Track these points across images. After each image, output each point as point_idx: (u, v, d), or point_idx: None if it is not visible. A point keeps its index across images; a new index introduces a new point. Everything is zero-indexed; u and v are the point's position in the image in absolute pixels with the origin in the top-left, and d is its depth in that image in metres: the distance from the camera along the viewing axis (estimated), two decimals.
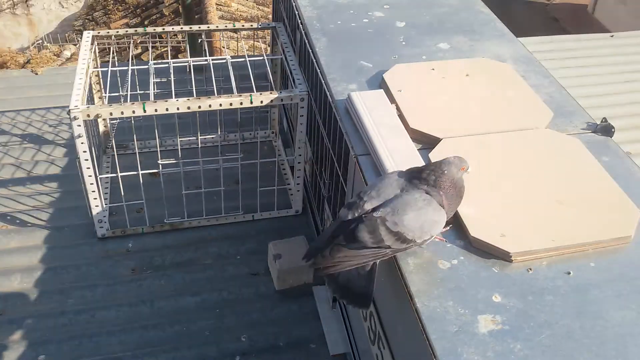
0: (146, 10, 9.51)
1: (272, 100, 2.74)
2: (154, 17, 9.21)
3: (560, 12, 10.13)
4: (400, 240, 1.71)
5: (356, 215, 1.76)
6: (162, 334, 2.75)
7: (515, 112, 2.31)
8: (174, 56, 7.79)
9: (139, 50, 8.25)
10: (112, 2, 10.02)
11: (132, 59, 3.23)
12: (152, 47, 3.77)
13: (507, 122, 2.25)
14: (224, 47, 4.12)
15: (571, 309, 1.67)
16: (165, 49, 8.01)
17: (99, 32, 3.17)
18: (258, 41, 6.41)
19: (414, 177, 1.76)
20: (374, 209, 1.74)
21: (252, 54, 6.50)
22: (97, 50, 3.22)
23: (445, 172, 1.73)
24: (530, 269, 1.77)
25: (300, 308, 2.89)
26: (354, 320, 2.55)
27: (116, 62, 3.33)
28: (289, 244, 2.97)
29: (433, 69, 2.52)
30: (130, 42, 4.30)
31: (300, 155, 2.99)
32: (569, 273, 1.77)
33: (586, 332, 1.62)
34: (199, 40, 4.24)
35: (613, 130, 2.26)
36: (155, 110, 2.63)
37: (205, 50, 3.42)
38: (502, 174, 2.02)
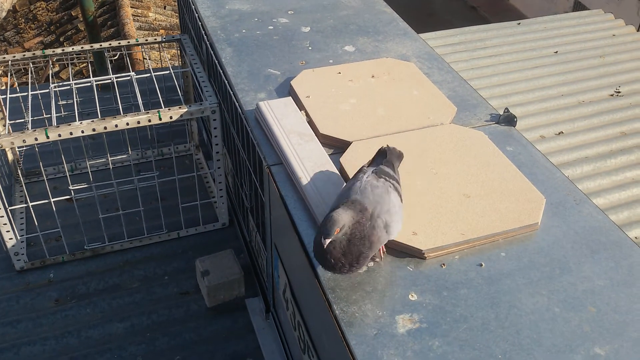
0: (60, 27, 9.19)
1: (181, 115, 2.69)
2: (69, 32, 8.91)
3: (478, 1, 10.43)
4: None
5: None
6: None
7: (421, 110, 2.35)
8: (94, 72, 7.58)
9: (58, 68, 7.98)
10: (23, 20, 9.63)
11: (50, 78, 3.11)
12: (71, 63, 3.65)
13: (413, 121, 2.29)
14: (145, 59, 4.02)
15: (485, 301, 1.72)
16: (85, 64, 7.79)
17: None
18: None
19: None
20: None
21: (177, 64, 6.40)
22: None
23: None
24: (444, 264, 1.81)
25: (234, 323, 2.86)
26: (287, 330, 2.54)
27: (36, 84, 3.21)
28: (217, 259, 2.93)
29: (339, 73, 2.54)
30: (47, 61, 4.14)
31: (219, 167, 2.95)
32: (481, 265, 1.81)
33: (501, 322, 1.66)
34: (118, 54, 4.13)
35: (515, 119, 2.34)
36: (59, 135, 2.54)
37: (127, 63, 3.33)
38: (410, 173, 2.05)
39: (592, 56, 4.35)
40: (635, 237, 3.05)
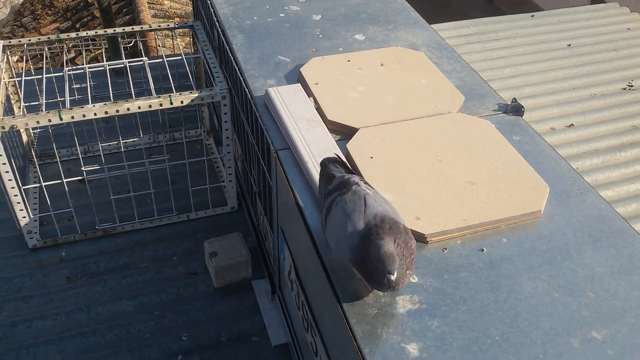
0: (77, 13, 9.27)
1: (192, 100, 2.74)
2: (85, 19, 8.99)
3: None
4: None
5: None
6: (101, 339, 2.73)
7: (429, 98, 2.37)
8: (109, 58, 7.65)
9: (73, 54, 8.05)
10: (40, 6, 9.73)
11: (65, 64, 3.17)
12: (86, 50, 3.70)
13: (420, 109, 2.31)
14: (159, 46, 4.08)
15: (485, 284, 1.75)
16: (100, 51, 7.86)
17: (10, 42, 3.09)
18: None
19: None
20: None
21: (189, 51, 6.46)
22: (10, 60, 3.14)
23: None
24: (446, 249, 1.84)
25: (240, 303, 2.91)
26: (292, 311, 2.59)
27: (51, 69, 3.26)
28: (225, 241, 2.98)
29: (349, 61, 2.57)
30: (62, 46, 4.21)
31: (229, 152, 3.00)
32: (483, 250, 1.84)
33: (500, 305, 1.69)
34: (133, 41, 4.17)
35: (523, 109, 2.36)
36: (72, 118, 2.59)
37: (140, 50, 3.38)
38: (416, 159, 2.08)
39: (606, 49, 4.33)
40: None
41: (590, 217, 1.96)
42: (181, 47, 3.58)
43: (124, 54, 3.24)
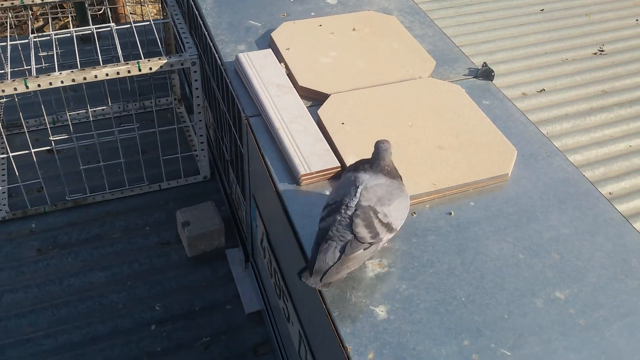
0: None
1: (161, 67, 2.69)
2: None
3: None
4: (389, 232, 1.61)
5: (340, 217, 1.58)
6: (73, 310, 2.73)
7: (400, 63, 2.36)
8: (77, 26, 7.46)
9: (42, 23, 7.83)
10: None
11: (32, 32, 3.09)
12: (54, 17, 3.60)
13: (392, 74, 2.30)
14: (128, 13, 3.98)
15: (452, 247, 1.77)
16: (68, 19, 7.66)
17: None
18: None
19: (370, 167, 1.65)
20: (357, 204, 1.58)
21: (160, 18, 6.33)
22: None
23: (387, 158, 1.64)
24: (414, 213, 1.86)
25: (213, 272, 2.92)
26: (265, 279, 2.60)
27: (16, 36, 3.17)
28: (197, 210, 2.97)
29: (320, 25, 2.54)
30: (28, 13, 4.08)
31: (200, 120, 2.97)
32: (450, 213, 1.86)
33: (466, 267, 1.72)
34: (102, 8, 4.06)
35: (493, 74, 2.36)
36: (39, 86, 2.54)
37: (109, 17, 3.30)
38: (387, 125, 2.08)
39: (578, 14, 4.34)
40: (610, 193, 3.11)
41: (557, 179, 1.99)
42: (151, 15, 3.50)
43: (93, 22, 3.15)
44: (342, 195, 1.62)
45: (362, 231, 1.56)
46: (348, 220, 1.57)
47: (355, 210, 1.58)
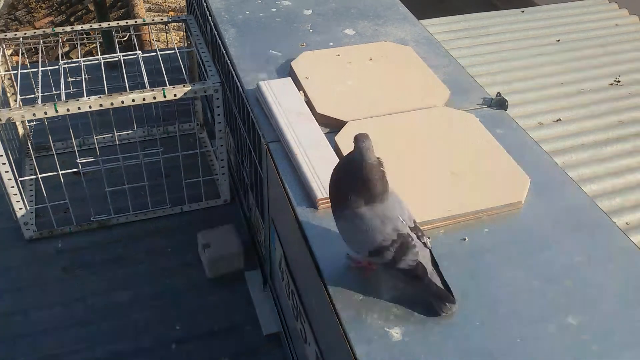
0: (71, 7, 9.28)
1: (185, 93, 2.79)
2: (80, 13, 9.00)
3: None
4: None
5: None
6: (96, 329, 2.80)
7: (416, 92, 2.44)
8: (103, 52, 7.68)
9: (68, 48, 8.08)
10: (34, 0, 9.73)
11: (60, 57, 3.22)
12: (81, 44, 3.73)
13: (407, 103, 2.37)
14: (153, 40, 4.12)
15: (466, 272, 1.81)
16: (94, 45, 7.88)
17: (5, 35, 3.14)
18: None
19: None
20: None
21: (183, 45, 6.51)
22: (6, 53, 3.19)
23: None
24: (429, 238, 1.90)
25: (233, 294, 2.97)
26: (282, 301, 2.65)
27: (46, 62, 3.31)
28: (218, 232, 3.04)
29: (338, 55, 2.62)
30: (57, 40, 4.25)
31: (222, 145, 3.05)
32: (464, 239, 1.91)
33: (480, 292, 1.75)
34: (127, 35, 4.21)
35: (507, 103, 2.42)
36: (68, 110, 2.65)
37: (134, 44, 3.42)
38: (402, 152, 2.14)
39: (594, 45, 4.39)
40: (627, 223, 3.13)
41: (569, 208, 2.02)
42: (175, 42, 3.62)
43: (118, 47, 3.28)
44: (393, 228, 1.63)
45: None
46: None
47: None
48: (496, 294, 1.75)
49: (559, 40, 4.42)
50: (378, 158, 1.61)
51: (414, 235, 1.65)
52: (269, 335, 2.77)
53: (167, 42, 7.24)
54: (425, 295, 1.68)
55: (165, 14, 8.58)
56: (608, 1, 4.96)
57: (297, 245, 2.03)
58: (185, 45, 3.78)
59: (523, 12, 4.79)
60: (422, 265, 1.64)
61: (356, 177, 1.61)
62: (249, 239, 3.14)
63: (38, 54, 3.21)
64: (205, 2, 3.11)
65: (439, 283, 1.66)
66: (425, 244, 1.67)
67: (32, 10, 9.54)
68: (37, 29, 9.13)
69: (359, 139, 1.59)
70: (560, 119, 3.72)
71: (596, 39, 4.47)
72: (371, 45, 2.73)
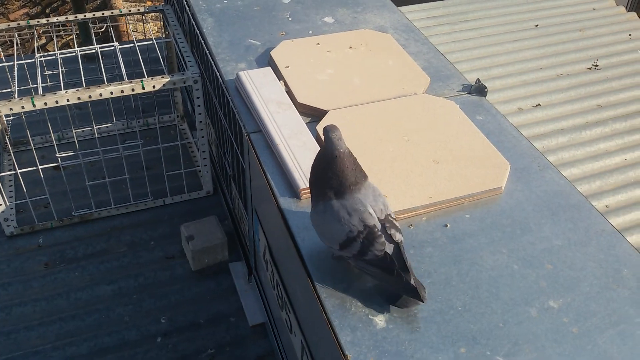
0: None
1: (164, 85, 2.77)
2: (55, 4, 8.86)
3: None
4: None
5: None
6: (81, 323, 2.78)
7: (395, 80, 2.44)
8: (80, 44, 7.58)
9: (44, 41, 7.95)
10: None
11: (36, 50, 3.17)
12: (57, 36, 3.69)
13: (388, 91, 2.38)
14: (131, 31, 4.07)
15: (448, 258, 1.83)
16: (71, 37, 7.78)
17: None
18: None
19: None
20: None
21: (161, 36, 6.44)
22: None
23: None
24: (411, 225, 1.92)
25: (217, 285, 2.97)
26: (267, 291, 2.66)
27: (22, 55, 3.25)
28: (201, 225, 3.03)
29: (318, 43, 2.61)
30: (33, 33, 4.17)
31: (203, 137, 3.04)
32: (446, 225, 1.92)
33: (462, 277, 1.78)
34: (104, 26, 4.15)
35: (486, 90, 2.43)
36: (45, 104, 2.61)
37: (112, 36, 3.38)
38: (383, 140, 2.15)
39: (572, 30, 4.43)
40: (606, 206, 3.17)
41: (549, 192, 2.05)
42: (153, 32, 3.58)
43: (96, 39, 3.24)
44: (360, 219, 1.61)
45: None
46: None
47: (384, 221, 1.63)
48: (478, 278, 1.77)
49: (537, 25, 4.44)
50: (348, 149, 1.60)
51: (379, 226, 1.62)
52: (255, 326, 2.78)
53: (144, 33, 7.17)
54: (396, 288, 1.66)
55: (143, 4, 8.47)
56: None
57: (280, 236, 2.03)
58: (164, 35, 3.74)
59: None
60: (389, 256, 1.61)
61: (326, 170, 1.61)
62: (232, 230, 3.14)
63: (13, 47, 3.15)
64: None
65: (409, 279, 1.61)
66: (392, 236, 1.63)
67: (6, 2, 9.37)
68: (12, 21, 8.96)
69: (328, 130, 1.59)
70: (539, 104, 3.75)
71: (574, 23, 4.50)
72: (351, 33, 2.72)
